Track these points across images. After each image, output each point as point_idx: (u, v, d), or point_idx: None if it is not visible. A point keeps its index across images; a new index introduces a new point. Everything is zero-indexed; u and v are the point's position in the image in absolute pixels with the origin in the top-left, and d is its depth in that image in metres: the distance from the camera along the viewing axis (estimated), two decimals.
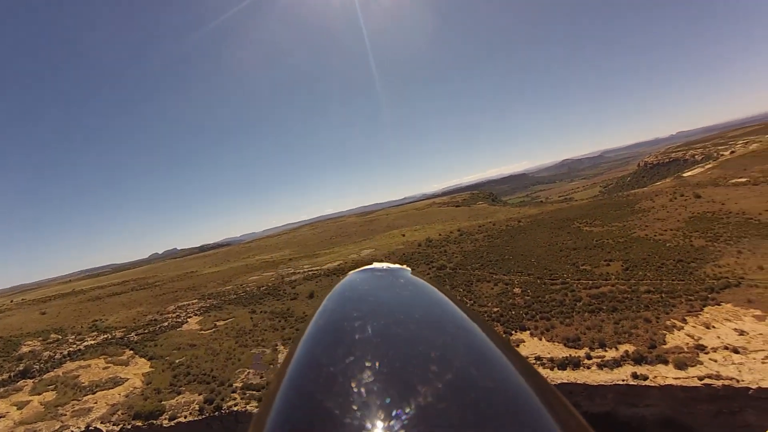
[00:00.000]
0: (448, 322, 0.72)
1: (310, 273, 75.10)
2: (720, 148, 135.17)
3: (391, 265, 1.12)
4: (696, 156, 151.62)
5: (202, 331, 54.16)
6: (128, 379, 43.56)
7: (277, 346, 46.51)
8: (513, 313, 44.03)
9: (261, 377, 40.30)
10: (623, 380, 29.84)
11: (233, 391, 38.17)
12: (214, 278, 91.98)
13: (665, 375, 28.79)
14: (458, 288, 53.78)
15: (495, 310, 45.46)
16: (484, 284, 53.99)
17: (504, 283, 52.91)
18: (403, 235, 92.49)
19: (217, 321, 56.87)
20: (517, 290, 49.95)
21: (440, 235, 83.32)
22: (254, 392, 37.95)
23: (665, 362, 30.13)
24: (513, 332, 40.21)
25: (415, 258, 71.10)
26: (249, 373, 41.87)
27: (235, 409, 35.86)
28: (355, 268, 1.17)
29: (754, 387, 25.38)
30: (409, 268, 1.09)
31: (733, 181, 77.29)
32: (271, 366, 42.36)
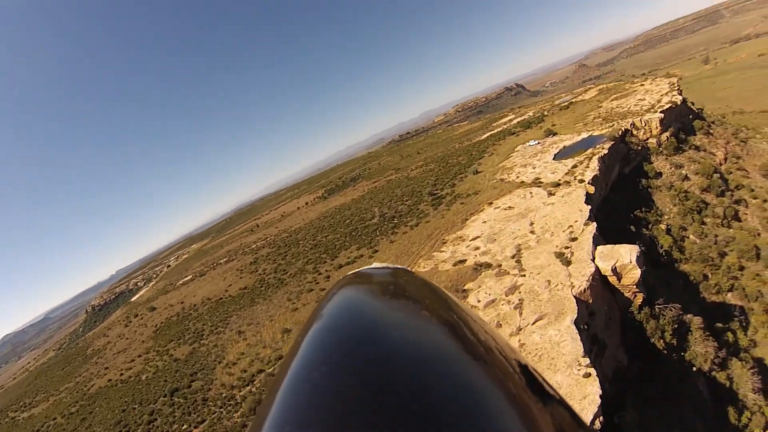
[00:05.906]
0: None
1: None
2: (157, 269, 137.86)
3: (389, 266, 1.15)
4: (138, 283, 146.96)
5: None
6: None
7: None
8: None
9: None
10: None
11: None
12: None
13: None
14: None
15: None
16: None
17: None
18: None
19: None
20: None
21: None
22: None
23: None
24: None
25: None
26: None
27: None
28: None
29: None
30: (408, 268, 1.13)
31: (181, 282, 74.60)
32: None
